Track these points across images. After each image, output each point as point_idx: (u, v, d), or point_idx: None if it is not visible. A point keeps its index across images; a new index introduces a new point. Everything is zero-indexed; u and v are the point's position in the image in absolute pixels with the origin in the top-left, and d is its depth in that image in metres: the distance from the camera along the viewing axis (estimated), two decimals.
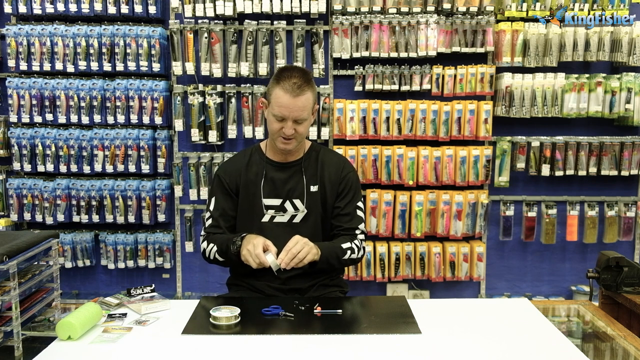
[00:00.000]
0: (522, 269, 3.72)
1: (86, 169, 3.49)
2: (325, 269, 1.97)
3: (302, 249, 1.81)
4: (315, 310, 1.74)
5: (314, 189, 2.05)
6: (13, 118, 3.46)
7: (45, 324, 1.69)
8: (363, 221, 2.08)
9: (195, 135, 3.45)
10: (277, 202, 2.04)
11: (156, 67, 3.43)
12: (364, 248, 2.06)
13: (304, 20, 3.40)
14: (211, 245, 2.01)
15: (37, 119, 3.46)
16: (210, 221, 2.07)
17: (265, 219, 2.04)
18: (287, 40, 3.41)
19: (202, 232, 2.10)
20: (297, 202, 2.04)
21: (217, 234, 2.05)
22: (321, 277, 2.06)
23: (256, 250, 1.80)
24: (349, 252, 1.98)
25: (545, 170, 3.47)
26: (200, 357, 1.47)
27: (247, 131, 3.44)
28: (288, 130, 1.92)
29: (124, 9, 3.39)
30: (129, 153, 3.48)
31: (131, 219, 3.52)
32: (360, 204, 2.08)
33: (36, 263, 1.67)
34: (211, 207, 2.08)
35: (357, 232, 2.05)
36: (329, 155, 2.13)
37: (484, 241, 3.60)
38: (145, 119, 3.46)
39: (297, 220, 2.04)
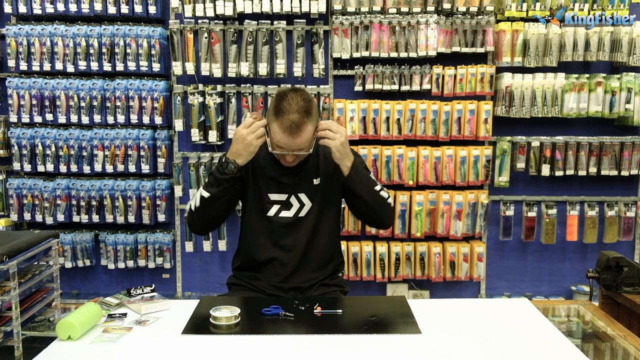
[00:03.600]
0: (522, 269, 3.71)
1: (86, 169, 3.49)
2: (356, 193, 1.96)
3: (337, 132, 1.87)
4: (315, 310, 1.74)
5: (316, 182, 2.05)
6: (13, 118, 3.46)
7: (45, 324, 1.69)
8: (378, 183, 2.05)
9: (195, 135, 3.45)
10: (282, 197, 2.03)
11: (156, 67, 3.43)
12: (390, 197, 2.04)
13: (304, 20, 3.40)
14: (194, 192, 1.96)
15: (37, 119, 3.46)
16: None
17: (271, 212, 2.04)
18: (287, 40, 3.41)
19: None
20: (303, 196, 2.04)
21: None
22: (321, 277, 2.07)
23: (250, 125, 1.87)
24: (380, 190, 1.98)
25: (545, 170, 3.47)
26: (200, 357, 1.47)
27: None
28: (289, 158, 1.93)
29: (124, 9, 3.39)
30: (129, 153, 3.48)
31: (131, 219, 3.52)
32: (370, 174, 2.05)
33: (36, 263, 1.67)
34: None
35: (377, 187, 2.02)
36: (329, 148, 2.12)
37: (484, 241, 3.60)
38: (145, 119, 3.46)
39: (302, 214, 2.04)
